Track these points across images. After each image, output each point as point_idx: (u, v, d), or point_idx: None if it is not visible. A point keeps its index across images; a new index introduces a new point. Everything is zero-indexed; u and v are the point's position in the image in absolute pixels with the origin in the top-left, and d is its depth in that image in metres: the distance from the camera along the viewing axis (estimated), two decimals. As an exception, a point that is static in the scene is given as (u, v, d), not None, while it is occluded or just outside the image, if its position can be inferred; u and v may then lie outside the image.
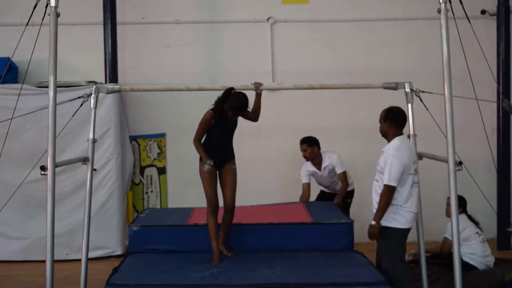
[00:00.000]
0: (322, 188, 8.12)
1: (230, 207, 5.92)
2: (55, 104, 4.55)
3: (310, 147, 7.80)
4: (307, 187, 7.96)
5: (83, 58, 9.23)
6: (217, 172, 5.92)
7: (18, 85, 7.33)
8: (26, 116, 6.94)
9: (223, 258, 5.75)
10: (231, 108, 5.69)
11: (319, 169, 7.83)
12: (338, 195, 7.70)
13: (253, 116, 6.00)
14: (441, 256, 6.71)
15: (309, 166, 7.92)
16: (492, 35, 8.99)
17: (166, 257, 5.89)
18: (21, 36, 5.08)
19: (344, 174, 7.75)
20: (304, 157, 7.86)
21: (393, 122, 5.37)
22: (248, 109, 5.85)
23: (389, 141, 5.44)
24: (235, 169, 6.00)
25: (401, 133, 5.43)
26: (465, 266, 6.46)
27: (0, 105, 7.18)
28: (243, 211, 6.59)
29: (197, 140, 5.85)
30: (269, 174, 9.19)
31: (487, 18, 9.15)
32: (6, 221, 8.17)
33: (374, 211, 5.35)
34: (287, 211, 7.10)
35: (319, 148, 7.84)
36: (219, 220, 5.90)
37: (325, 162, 7.78)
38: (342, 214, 6.83)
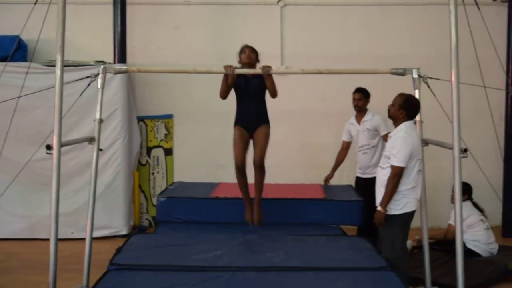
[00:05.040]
0: (358, 174, 7.77)
1: (258, 164, 6.09)
2: (62, 83, 4.57)
3: (365, 98, 7.64)
4: (346, 146, 7.89)
5: (93, 38, 9.22)
6: (249, 136, 6.20)
7: (27, 64, 7.32)
8: (34, 94, 6.95)
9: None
10: (238, 54, 6.09)
11: (359, 122, 7.66)
12: None
13: (270, 92, 6.17)
14: (445, 243, 6.73)
15: (351, 120, 7.78)
16: (504, 22, 8.89)
17: (172, 237, 5.99)
18: (29, 15, 5.09)
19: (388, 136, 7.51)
20: (356, 106, 7.65)
21: (407, 111, 5.37)
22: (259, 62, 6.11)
23: (396, 126, 5.46)
24: (266, 132, 6.23)
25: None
26: (469, 253, 6.50)
27: (9, 83, 7.14)
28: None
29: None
30: (275, 158, 9.12)
31: (499, 4, 9.06)
32: (12, 199, 8.17)
33: (377, 199, 5.39)
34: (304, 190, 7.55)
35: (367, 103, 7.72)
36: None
37: (367, 117, 7.58)
38: (353, 192, 7.25)
